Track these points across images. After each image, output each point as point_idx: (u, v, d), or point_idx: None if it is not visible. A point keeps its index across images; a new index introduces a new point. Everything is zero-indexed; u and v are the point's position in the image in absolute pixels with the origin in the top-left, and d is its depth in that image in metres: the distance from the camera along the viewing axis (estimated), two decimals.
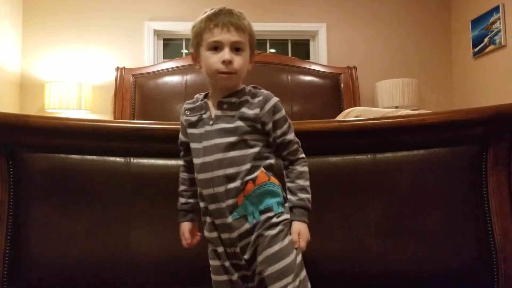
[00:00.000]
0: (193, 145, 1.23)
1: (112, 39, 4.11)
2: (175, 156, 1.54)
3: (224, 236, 1.19)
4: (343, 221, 1.53)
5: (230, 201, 1.16)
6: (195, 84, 3.89)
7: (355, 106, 3.86)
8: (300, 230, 1.19)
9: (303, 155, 1.27)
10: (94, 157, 1.52)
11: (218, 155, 1.17)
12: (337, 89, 4.03)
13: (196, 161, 1.21)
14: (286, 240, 1.16)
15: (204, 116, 1.23)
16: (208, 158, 1.18)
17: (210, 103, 1.25)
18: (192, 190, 1.31)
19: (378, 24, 4.37)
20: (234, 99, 1.22)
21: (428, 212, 1.55)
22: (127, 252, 1.50)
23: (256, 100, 1.21)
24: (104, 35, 4.10)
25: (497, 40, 3.67)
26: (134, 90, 3.88)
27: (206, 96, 1.29)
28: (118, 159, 1.53)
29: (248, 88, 1.25)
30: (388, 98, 3.98)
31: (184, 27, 4.22)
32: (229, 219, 1.17)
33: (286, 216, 1.19)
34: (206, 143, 1.19)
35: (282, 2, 4.21)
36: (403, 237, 1.54)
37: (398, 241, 1.54)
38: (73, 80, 3.83)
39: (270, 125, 1.21)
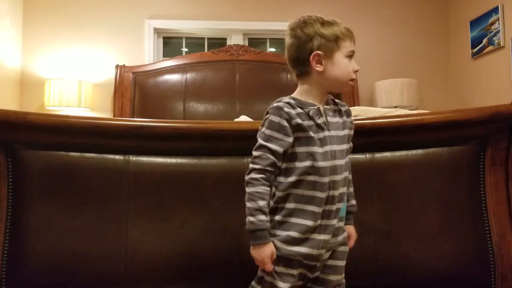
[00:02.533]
0: (310, 149, 1.20)
1: (112, 37, 4.10)
2: (174, 154, 1.55)
3: (319, 237, 1.21)
4: None
5: (340, 204, 1.24)
6: (195, 82, 3.89)
7: (354, 105, 3.87)
8: (351, 232, 1.35)
9: None
10: (94, 155, 1.53)
11: (336, 161, 1.22)
12: None
13: (315, 163, 1.19)
14: (345, 260, 1.30)
15: (318, 121, 1.23)
16: (329, 163, 1.20)
17: (321, 109, 1.26)
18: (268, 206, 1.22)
19: (377, 24, 4.37)
20: (333, 106, 1.30)
21: (426, 211, 1.55)
22: (125, 250, 1.50)
23: (345, 109, 1.32)
24: (104, 33, 4.09)
25: (496, 41, 3.67)
26: (134, 88, 3.88)
27: (296, 101, 1.25)
28: (117, 157, 1.53)
29: (330, 97, 1.32)
30: (387, 98, 3.98)
31: (184, 26, 4.23)
32: (335, 221, 1.23)
33: None
34: (327, 148, 1.21)
35: (281, 1, 4.22)
36: (401, 236, 1.55)
37: (396, 241, 1.54)
38: (73, 78, 3.83)
39: (352, 131, 1.32)
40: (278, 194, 1.22)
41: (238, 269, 1.48)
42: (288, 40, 1.29)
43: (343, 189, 1.25)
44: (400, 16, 4.40)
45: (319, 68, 1.23)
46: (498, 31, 3.63)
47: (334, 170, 1.21)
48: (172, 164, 1.54)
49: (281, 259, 1.20)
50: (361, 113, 1.97)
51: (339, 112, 1.29)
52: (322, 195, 1.19)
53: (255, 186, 1.19)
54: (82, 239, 1.49)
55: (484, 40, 3.84)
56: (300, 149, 1.21)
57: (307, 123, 1.21)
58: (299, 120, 1.20)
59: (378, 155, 1.57)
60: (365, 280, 1.53)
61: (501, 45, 3.61)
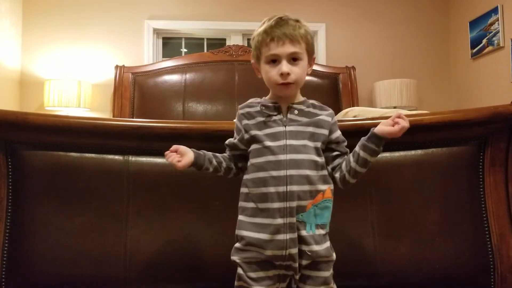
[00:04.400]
0: (260, 145, 1.22)
1: (112, 37, 4.11)
2: None
3: (285, 237, 1.18)
4: (341, 221, 1.53)
5: (302, 202, 1.19)
6: (194, 83, 3.89)
7: (353, 106, 3.87)
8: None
9: None
10: (93, 155, 1.53)
11: (292, 155, 1.19)
12: (335, 89, 4.04)
13: (268, 158, 1.20)
14: (331, 270, 1.25)
15: (275, 117, 1.24)
16: (282, 157, 1.19)
17: (282, 107, 1.27)
18: (220, 166, 1.30)
19: (377, 24, 4.37)
20: (303, 107, 1.27)
21: (426, 212, 1.55)
22: (125, 250, 1.50)
23: (326, 112, 1.29)
24: (104, 33, 4.10)
25: (495, 41, 3.68)
26: (133, 88, 3.88)
27: (263, 99, 1.31)
28: (116, 157, 1.54)
29: (311, 101, 1.31)
30: (386, 98, 3.99)
31: (183, 26, 4.23)
32: (294, 219, 1.18)
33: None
34: (281, 143, 1.20)
35: (281, 1, 4.22)
36: (400, 237, 1.55)
37: (395, 241, 1.54)
38: (73, 78, 3.83)
39: (334, 135, 1.28)
40: (242, 190, 1.26)
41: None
42: None
43: (307, 187, 1.19)
44: (400, 16, 4.40)
45: (259, 76, 1.31)
46: (498, 32, 3.64)
47: (290, 164, 1.18)
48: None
49: (252, 263, 1.21)
50: (360, 113, 1.97)
51: (311, 115, 1.27)
52: (275, 189, 1.17)
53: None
54: (81, 239, 1.49)
55: (484, 41, 3.85)
56: (254, 146, 1.24)
57: (255, 121, 1.25)
58: (246, 121, 1.26)
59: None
60: (365, 280, 1.53)
61: (501, 45, 3.61)
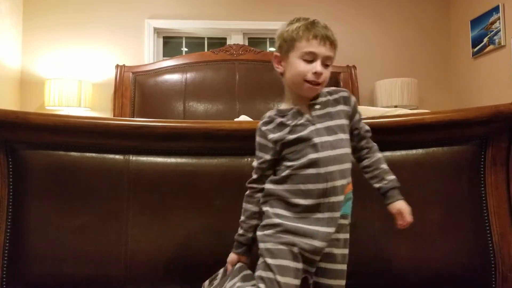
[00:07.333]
0: (296, 147, 1.22)
1: (112, 36, 4.11)
2: (174, 154, 1.55)
3: (324, 229, 1.19)
4: None
5: (340, 197, 1.21)
6: (195, 82, 3.89)
7: None
8: (400, 207, 1.26)
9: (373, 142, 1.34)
10: (94, 155, 1.53)
11: (329, 152, 1.20)
12: None
13: (309, 157, 1.19)
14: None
15: (301, 121, 1.23)
16: (322, 154, 1.19)
17: (301, 109, 1.26)
18: (250, 223, 1.29)
19: (377, 23, 4.37)
20: (322, 99, 1.27)
21: (426, 211, 1.55)
22: (125, 250, 1.50)
23: (339, 95, 1.29)
24: (104, 32, 4.10)
25: (497, 40, 3.67)
26: (133, 87, 3.88)
27: (278, 111, 1.29)
28: (117, 156, 1.54)
29: (325, 90, 1.30)
30: (387, 98, 3.98)
31: (184, 25, 4.23)
32: (338, 214, 1.21)
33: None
34: (317, 140, 1.20)
35: (282, 0, 4.22)
36: (401, 236, 1.54)
37: (396, 241, 1.54)
38: (73, 78, 3.83)
39: (356, 117, 1.30)
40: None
41: None
42: None
43: (345, 181, 1.21)
44: (401, 15, 4.39)
45: (279, 69, 1.28)
46: (499, 30, 3.63)
47: (332, 160, 1.19)
48: (172, 163, 1.54)
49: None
50: (361, 112, 1.96)
51: (333, 102, 1.27)
52: (315, 186, 1.18)
53: (244, 203, 1.31)
54: (82, 239, 1.50)
55: (485, 39, 3.84)
56: (289, 150, 1.23)
57: (284, 131, 1.23)
58: (271, 135, 1.24)
59: None
60: (365, 280, 1.53)
61: (502, 44, 3.61)
